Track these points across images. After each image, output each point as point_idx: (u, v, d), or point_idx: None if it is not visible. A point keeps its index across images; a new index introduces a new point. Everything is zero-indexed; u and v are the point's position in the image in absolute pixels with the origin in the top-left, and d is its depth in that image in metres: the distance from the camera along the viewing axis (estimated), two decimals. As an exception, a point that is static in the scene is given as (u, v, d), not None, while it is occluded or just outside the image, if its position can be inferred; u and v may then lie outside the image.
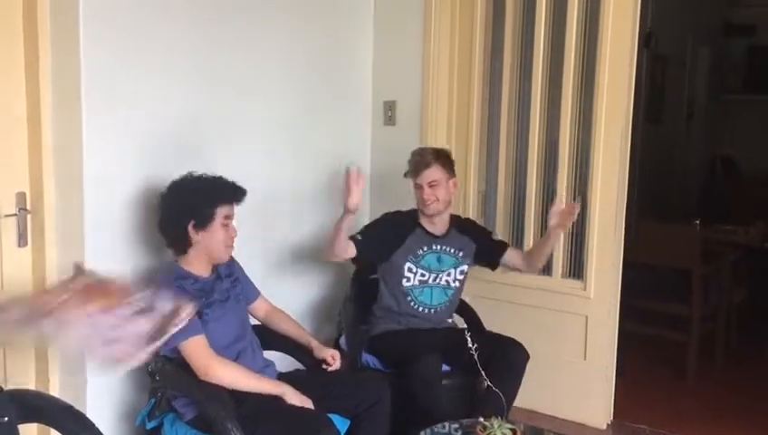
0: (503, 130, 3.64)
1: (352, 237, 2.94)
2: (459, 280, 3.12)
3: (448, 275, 3.08)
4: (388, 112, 3.77)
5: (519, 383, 2.87)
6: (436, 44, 3.61)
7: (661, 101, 6.19)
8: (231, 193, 2.50)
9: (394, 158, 3.78)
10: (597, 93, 3.34)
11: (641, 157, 5.09)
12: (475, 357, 2.66)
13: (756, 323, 4.66)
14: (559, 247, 3.52)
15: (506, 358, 2.83)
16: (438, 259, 3.06)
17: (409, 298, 3.04)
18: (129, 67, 2.63)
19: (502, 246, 3.20)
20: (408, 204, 3.66)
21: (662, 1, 5.33)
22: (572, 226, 3.52)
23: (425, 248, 3.05)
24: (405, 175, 3.05)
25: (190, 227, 2.44)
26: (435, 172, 2.97)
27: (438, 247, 3.06)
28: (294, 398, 2.41)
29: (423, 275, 3.05)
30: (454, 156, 3.67)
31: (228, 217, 2.50)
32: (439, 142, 3.65)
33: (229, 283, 2.61)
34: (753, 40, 7.22)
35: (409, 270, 3.03)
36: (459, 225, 3.17)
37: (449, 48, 3.64)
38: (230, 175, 2.55)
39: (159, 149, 2.75)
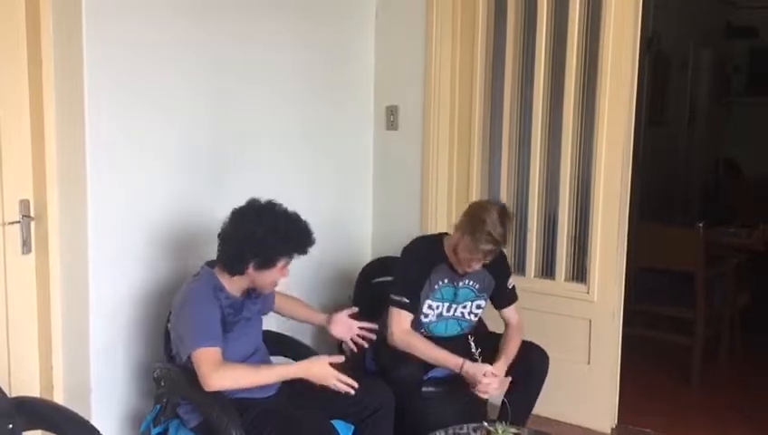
0: (505, 135, 3.64)
1: (399, 304, 2.82)
2: (475, 313, 3.01)
3: (464, 307, 2.98)
4: (391, 117, 3.77)
5: (541, 387, 2.84)
6: (438, 49, 3.62)
7: (663, 103, 6.20)
8: (300, 246, 2.44)
9: (396, 162, 3.80)
10: (599, 96, 3.34)
11: (644, 160, 5.11)
12: (479, 362, 2.66)
13: (760, 326, 4.65)
14: (562, 251, 3.52)
15: (529, 362, 2.81)
16: (455, 293, 2.94)
17: (423, 329, 2.96)
18: (134, 74, 2.64)
19: (510, 299, 3.04)
20: (410, 206, 3.69)
21: (663, 4, 5.35)
22: (576, 229, 3.53)
23: (445, 281, 2.92)
24: (461, 231, 2.75)
25: (251, 265, 2.40)
26: (494, 254, 2.76)
27: (458, 283, 2.93)
28: (317, 368, 2.39)
29: (438, 308, 2.94)
30: (456, 160, 3.71)
31: (287, 264, 2.47)
32: (441, 147, 3.66)
33: (254, 299, 2.58)
34: (754, 42, 7.23)
35: (429, 307, 2.92)
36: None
37: (451, 52, 3.64)
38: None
39: (164, 157, 2.76)
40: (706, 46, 6.92)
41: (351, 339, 2.76)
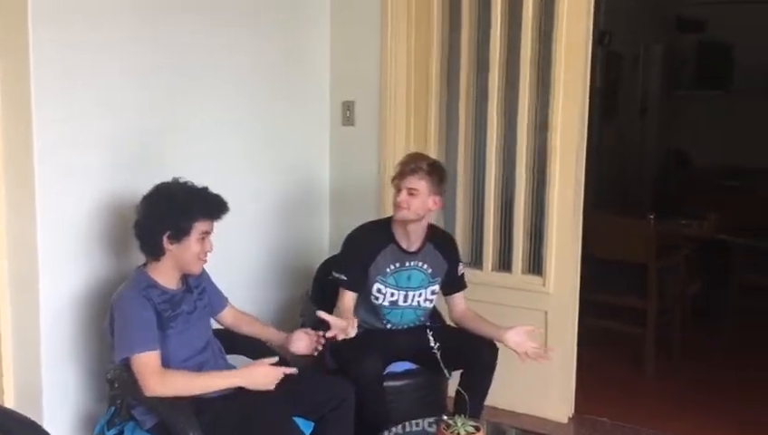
0: (461, 129, 3.65)
1: (338, 281, 2.88)
2: (431, 299, 3.03)
3: (420, 295, 2.99)
4: (347, 113, 3.76)
5: (491, 376, 2.88)
6: (394, 44, 3.61)
7: (615, 97, 6.30)
8: (211, 209, 2.45)
9: (353, 158, 3.80)
10: (553, 91, 3.37)
11: (598, 152, 5.18)
12: (438, 356, 2.68)
13: (709, 315, 4.75)
14: (519, 244, 3.55)
15: (479, 359, 2.83)
16: (408, 277, 2.95)
17: (379, 315, 2.98)
18: (82, 73, 2.58)
19: (460, 286, 3.08)
20: (367, 202, 3.68)
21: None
22: (532, 222, 3.57)
23: (396, 265, 2.93)
24: (393, 179, 2.89)
25: (165, 238, 2.40)
26: (419, 181, 2.80)
27: (410, 264, 2.94)
28: (256, 378, 2.39)
29: (393, 296, 2.95)
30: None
31: (206, 232, 2.45)
32: (398, 142, 3.65)
33: (197, 294, 2.57)
34: (703, 36, 7.38)
35: (378, 291, 2.93)
36: (436, 239, 3.02)
37: (406, 47, 3.63)
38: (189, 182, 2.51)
39: (113, 157, 2.71)
40: (657, 40, 7.05)
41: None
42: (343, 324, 2.65)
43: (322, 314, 2.65)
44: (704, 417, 3.57)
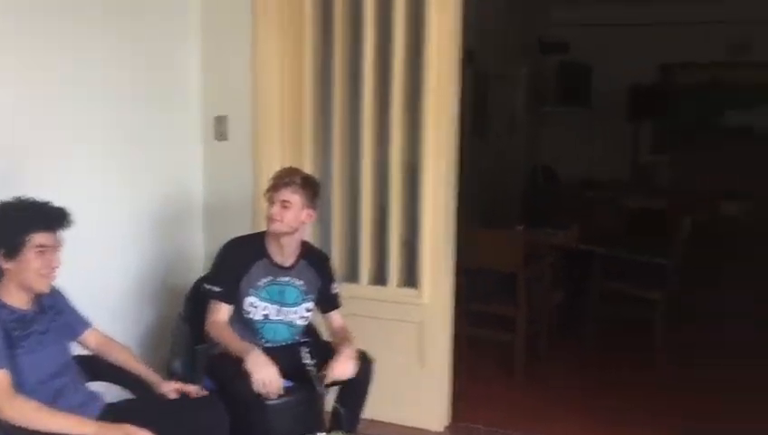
0: (335, 143, 3.68)
1: (211, 293, 2.86)
2: (305, 317, 3.03)
3: (294, 312, 2.98)
4: (220, 127, 3.69)
5: (367, 390, 2.89)
6: (266, 58, 3.58)
7: (485, 114, 6.55)
8: (46, 220, 2.31)
9: (226, 173, 3.74)
10: (424, 108, 3.45)
11: (470, 168, 5.36)
12: (312, 373, 2.67)
13: (572, 321, 4.97)
14: (394, 258, 3.61)
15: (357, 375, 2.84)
16: (282, 292, 2.95)
17: (254, 332, 2.94)
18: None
19: (335, 304, 3.09)
20: (242, 217, 3.62)
21: (483, 21, 5.66)
22: (407, 235, 3.63)
23: (269, 278, 2.93)
24: (266, 192, 2.89)
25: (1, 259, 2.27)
26: (292, 195, 2.82)
27: (283, 279, 2.95)
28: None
29: (265, 310, 2.93)
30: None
31: (44, 245, 2.31)
32: (273, 157, 3.62)
33: (52, 314, 2.44)
34: (565, 56, 7.81)
35: (251, 304, 2.91)
36: (311, 257, 3.04)
37: (279, 61, 3.60)
38: (48, 198, 2.37)
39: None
40: (523, 61, 7.40)
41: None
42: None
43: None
44: (570, 419, 3.75)
